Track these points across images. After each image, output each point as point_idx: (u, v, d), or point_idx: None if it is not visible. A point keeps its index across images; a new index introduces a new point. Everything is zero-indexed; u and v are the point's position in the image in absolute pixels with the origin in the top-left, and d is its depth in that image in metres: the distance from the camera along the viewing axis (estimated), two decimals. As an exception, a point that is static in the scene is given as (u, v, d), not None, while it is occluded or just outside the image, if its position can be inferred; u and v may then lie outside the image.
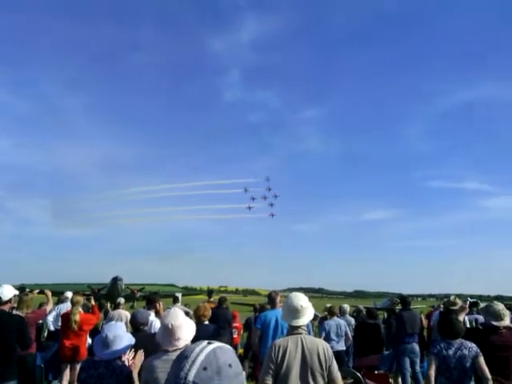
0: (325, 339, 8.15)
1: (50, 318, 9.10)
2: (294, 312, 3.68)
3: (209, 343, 1.29)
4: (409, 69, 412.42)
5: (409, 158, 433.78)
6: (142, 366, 3.45)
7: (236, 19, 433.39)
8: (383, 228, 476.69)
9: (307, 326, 3.97)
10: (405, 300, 9.59)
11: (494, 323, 4.82)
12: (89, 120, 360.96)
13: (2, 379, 5.15)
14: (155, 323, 6.60)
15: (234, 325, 11.19)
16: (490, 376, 4.24)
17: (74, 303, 7.43)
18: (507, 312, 5.05)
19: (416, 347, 8.55)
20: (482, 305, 7.29)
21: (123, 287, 45.05)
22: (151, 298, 7.98)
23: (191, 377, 1.19)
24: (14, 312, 5.93)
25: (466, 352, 4.38)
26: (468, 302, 6.56)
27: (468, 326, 7.24)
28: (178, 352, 1.43)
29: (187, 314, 8.57)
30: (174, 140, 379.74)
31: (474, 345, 4.43)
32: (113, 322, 4.09)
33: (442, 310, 8.61)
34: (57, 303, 9.98)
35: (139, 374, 3.47)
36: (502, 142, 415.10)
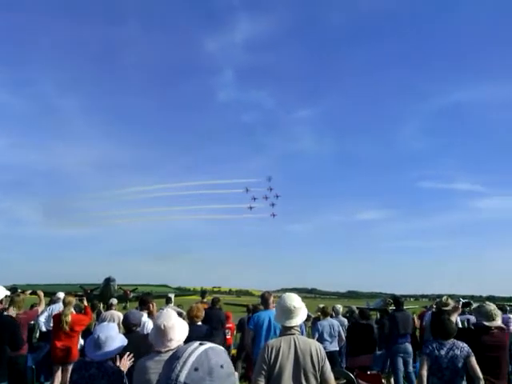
0: (318, 340, 8.16)
1: (42, 319, 9.04)
2: (287, 312, 3.68)
3: (201, 344, 1.29)
4: (403, 69, 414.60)
5: (401, 158, 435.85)
6: (134, 366, 3.43)
7: (230, 19, 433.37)
8: (376, 228, 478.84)
9: (300, 326, 3.97)
10: (398, 300, 9.62)
11: (486, 323, 4.85)
12: (85, 120, 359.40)
13: (-8, 380, 5.11)
14: (148, 324, 6.56)
15: (228, 325, 11.17)
16: (481, 375, 4.27)
17: (65, 304, 7.38)
18: (499, 312, 5.08)
19: (409, 347, 8.59)
20: (474, 305, 7.33)
21: (116, 288, 44.97)
22: (144, 298, 7.94)
23: (182, 377, 1.19)
24: (5, 313, 5.88)
25: (457, 352, 4.41)
26: (461, 303, 6.58)
27: (460, 326, 7.28)
28: (171, 353, 1.42)
29: (180, 314, 8.54)
30: (168, 140, 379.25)
31: (465, 345, 4.46)
32: (105, 323, 4.07)
33: (434, 310, 8.65)
34: (49, 304, 9.92)
35: (129, 375, 3.47)
36: (494, 142, 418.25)
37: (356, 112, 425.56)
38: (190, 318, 6.08)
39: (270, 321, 6.08)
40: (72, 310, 7.47)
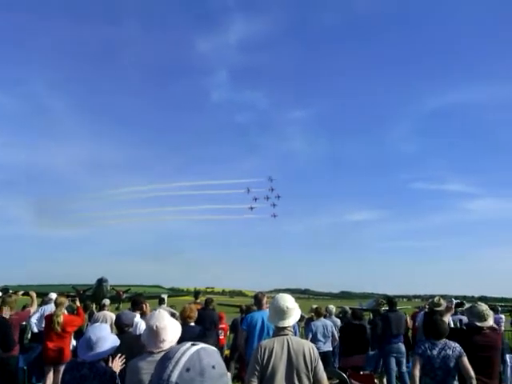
0: (312, 340, 8.19)
1: (34, 320, 8.98)
2: (280, 313, 3.68)
3: (193, 344, 1.29)
4: (395, 70, 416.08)
5: (393, 159, 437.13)
6: (126, 367, 3.42)
7: (224, 20, 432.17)
8: (368, 229, 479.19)
9: (293, 327, 3.98)
10: (391, 301, 9.66)
11: (478, 324, 4.87)
12: (77, 120, 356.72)
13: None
14: (140, 325, 6.54)
15: (221, 326, 11.16)
16: (474, 375, 4.29)
17: (57, 304, 7.33)
18: (491, 313, 5.10)
19: (402, 347, 8.63)
20: (466, 305, 7.37)
21: (109, 288, 44.82)
22: (136, 299, 7.91)
23: (174, 378, 1.19)
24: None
25: (449, 352, 4.43)
26: (454, 303, 6.62)
27: (452, 326, 7.32)
28: (163, 353, 1.42)
29: (173, 315, 8.53)
30: (161, 140, 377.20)
31: (457, 345, 4.49)
32: (97, 324, 4.05)
33: (426, 310, 8.69)
34: (40, 305, 9.86)
35: (121, 376, 3.45)
36: (485, 143, 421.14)
37: (349, 113, 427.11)
38: (183, 319, 6.07)
39: (263, 321, 6.08)
40: (64, 310, 7.44)
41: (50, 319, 7.20)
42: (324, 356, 7.64)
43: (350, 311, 11.18)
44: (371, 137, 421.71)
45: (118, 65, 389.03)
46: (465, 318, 7.39)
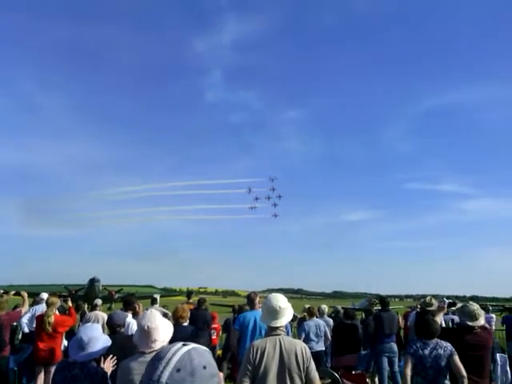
0: (304, 340, 8.21)
1: (25, 320, 8.91)
2: (272, 313, 3.69)
3: (184, 345, 1.29)
4: (390, 71, 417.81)
5: (388, 159, 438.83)
6: (117, 368, 3.40)
7: (218, 20, 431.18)
8: (362, 229, 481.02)
9: (286, 326, 3.98)
10: (384, 301, 9.70)
11: (469, 323, 4.90)
12: (71, 120, 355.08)
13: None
14: (132, 325, 6.52)
15: (213, 326, 11.15)
16: (465, 374, 4.32)
17: (49, 304, 7.29)
18: (482, 312, 5.14)
19: (394, 347, 8.68)
20: (458, 305, 7.41)
21: (101, 288, 44.64)
22: (128, 299, 7.90)
23: (164, 378, 1.19)
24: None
25: (441, 352, 4.46)
26: (446, 303, 6.65)
27: (444, 325, 7.35)
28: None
29: (165, 315, 8.50)
30: (155, 140, 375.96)
31: (448, 344, 4.51)
32: (88, 324, 4.03)
33: (418, 310, 8.73)
34: (32, 305, 9.79)
35: (113, 377, 3.43)
36: (481, 143, 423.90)
37: (344, 113, 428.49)
38: (176, 319, 6.06)
39: (255, 321, 6.08)
40: (55, 310, 7.39)
41: (41, 319, 7.16)
42: (316, 355, 7.66)
43: (342, 311, 11.20)
44: (366, 137, 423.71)
45: (113, 65, 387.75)
46: (457, 318, 7.44)
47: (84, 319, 9.08)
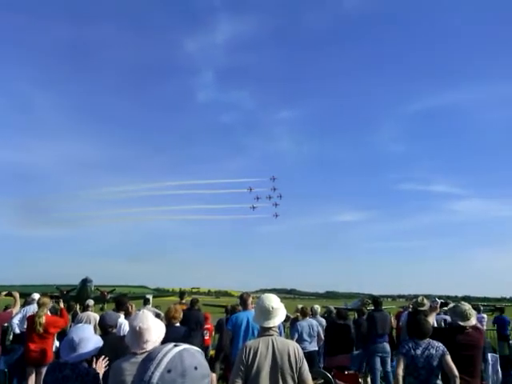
0: (297, 340, 8.20)
1: (16, 321, 8.85)
2: (265, 313, 3.69)
3: (175, 345, 1.29)
4: (382, 72, 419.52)
5: (381, 159, 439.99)
6: (109, 368, 3.38)
7: (210, 20, 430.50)
8: (355, 229, 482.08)
9: (279, 327, 3.98)
10: (377, 301, 9.73)
11: (461, 323, 4.93)
12: (63, 120, 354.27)
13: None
14: (124, 325, 6.50)
15: (206, 326, 11.14)
16: (457, 373, 4.35)
17: (40, 305, 7.24)
18: (473, 312, 5.17)
19: (387, 347, 8.71)
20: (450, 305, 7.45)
21: (93, 289, 44.39)
22: (120, 300, 7.86)
23: (155, 379, 1.19)
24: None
25: (433, 351, 4.48)
26: (439, 303, 6.68)
27: (436, 326, 7.39)
28: (146, 354, 1.41)
29: (158, 315, 8.48)
30: (147, 140, 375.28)
31: (440, 344, 4.54)
32: (80, 325, 4.00)
33: (410, 310, 8.77)
34: (23, 305, 9.73)
35: (105, 378, 3.42)
36: (471, 144, 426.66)
37: (336, 113, 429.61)
38: (168, 320, 6.04)
39: (248, 322, 6.07)
40: (47, 311, 7.34)
41: (32, 320, 7.11)
42: (309, 356, 7.66)
43: (334, 311, 11.23)
44: (359, 137, 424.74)
45: (104, 64, 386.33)
46: (449, 318, 7.49)
47: (76, 320, 9.04)
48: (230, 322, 6.47)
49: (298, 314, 9.96)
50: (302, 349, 3.80)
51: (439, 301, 6.89)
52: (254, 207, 69.43)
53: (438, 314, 8.34)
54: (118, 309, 7.46)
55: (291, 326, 10.65)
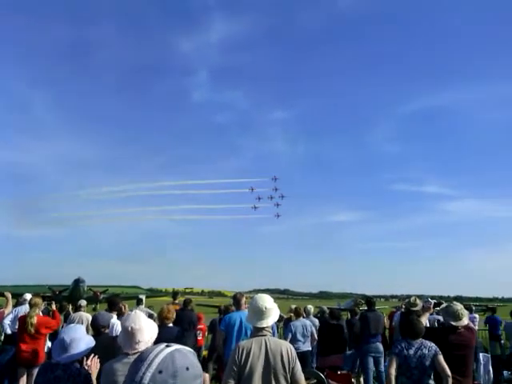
0: (291, 340, 8.22)
1: (7, 321, 8.78)
2: (258, 313, 3.69)
3: (167, 346, 1.28)
4: (376, 72, 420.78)
5: (376, 159, 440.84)
6: (101, 369, 3.36)
7: (205, 19, 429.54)
8: (349, 230, 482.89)
9: (272, 327, 3.98)
10: (370, 301, 9.75)
11: (453, 323, 4.96)
12: (57, 118, 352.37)
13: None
14: (117, 326, 6.47)
15: (199, 327, 11.12)
16: (450, 373, 4.37)
17: (32, 305, 7.19)
18: (466, 312, 5.19)
19: (380, 346, 8.74)
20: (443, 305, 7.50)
21: (86, 289, 44.23)
22: (112, 300, 7.83)
23: (146, 380, 1.19)
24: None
25: (425, 351, 4.50)
26: (432, 303, 6.72)
27: (428, 325, 7.43)
28: (138, 355, 1.41)
29: (151, 316, 8.48)
30: (142, 140, 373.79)
31: (433, 344, 4.56)
32: (71, 325, 3.98)
33: (403, 310, 8.81)
34: (15, 306, 9.66)
35: (97, 379, 3.40)
36: (465, 145, 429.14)
37: (331, 113, 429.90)
38: (161, 320, 6.02)
39: (241, 322, 6.07)
40: (39, 311, 7.29)
41: (23, 320, 7.06)
42: (302, 356, 7.68)
43: (327, 311, 11.25)
44: (353, 137, 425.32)
45: (99, 64, 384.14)
46: (442, 318, 7.53)
47: (68, 320, 9.00)
48: (223, 322, 6.46)
49: (292, 314, 9.97)
50: (296, 349, 3.81)
51: (432, 301, 6.93)
52: (255, 207, 69.40)
53: (431, 315, 8.39)
54: (110, 309, 7.43)
55: (285, 326, 10.66)
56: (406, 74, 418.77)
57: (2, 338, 9.46)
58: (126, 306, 7.88)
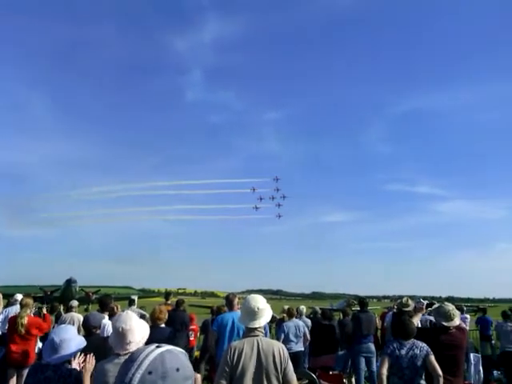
0: (284, 341, 8.22)
1: (-3, 322, 8.71)
2: (251, 314, 3.69)
3: (157, 347, 1.28)
4: (370, 73, 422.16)
5: (369, 160, 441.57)
6: (93, 369, 3.35)
7: (199, 19, 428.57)
8: (342, 230, 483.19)
9: (264, 327, 3.98)
10: (362, 302, 9.78)
11: (444, 323, 4.98)
12: (50, 118, 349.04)
13: None
14: (108, 326, 6.43)
15: (191, 327, 11.10)
16: (441, 373, 4.39)
17: (22, 305, 7.14)
18: (457, 312, 5.22)
19: (372, 347, 8.77)
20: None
21: (77, 289, 44.00)
22: (104, 300, 7.79)
23: (135, 381, 1.18)
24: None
25: (417, 352, 4.52)
26: (424, 304, 6.74)
27: (420, 326, 7.46)
28: (129, 356, 1.40)
29: (143, 316, 8.43)
30: (136, 139, 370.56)
31: (424, 344, 4.58)
32: (62, 326, 3.95)
33: (395, 311, 8.84)
34: (6, 306, 9.58)
35: (91, 377, 3.38)
36: (456, 146, 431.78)
37: (324, 114, 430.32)
38: (153, 320, 6.00)
39: (233, 322, 6.06)
40: (30, 312, 7.23)
41: (13, 321, 7.00)
42: (295, 356, 7.68)
43: (320, 312, 11.28)
44: (347, 137, 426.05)
45: (92, 64, 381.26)
46: (433, 319, 7.57)
47: (59, 321, 8.93)
48: (215, 322, 6.45)
49: (285, 315, 9.98)
50: (288, 349, 3.81)
51: (425, 302, 6.96)
52: (257, 207, 69.22)
53: (423, 315, 8.43)
54: (102, 309, 7.38)
55: (277, 327, 10.67)
56: (397, 75, 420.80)
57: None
58: (119, 306, 7.84)
